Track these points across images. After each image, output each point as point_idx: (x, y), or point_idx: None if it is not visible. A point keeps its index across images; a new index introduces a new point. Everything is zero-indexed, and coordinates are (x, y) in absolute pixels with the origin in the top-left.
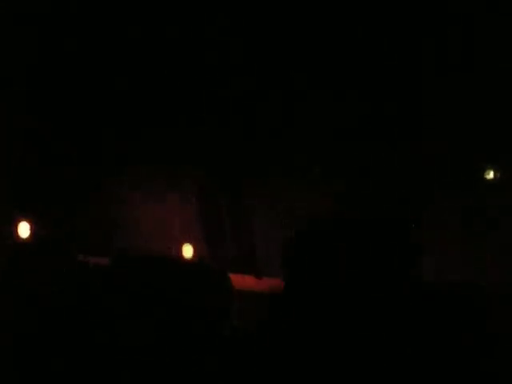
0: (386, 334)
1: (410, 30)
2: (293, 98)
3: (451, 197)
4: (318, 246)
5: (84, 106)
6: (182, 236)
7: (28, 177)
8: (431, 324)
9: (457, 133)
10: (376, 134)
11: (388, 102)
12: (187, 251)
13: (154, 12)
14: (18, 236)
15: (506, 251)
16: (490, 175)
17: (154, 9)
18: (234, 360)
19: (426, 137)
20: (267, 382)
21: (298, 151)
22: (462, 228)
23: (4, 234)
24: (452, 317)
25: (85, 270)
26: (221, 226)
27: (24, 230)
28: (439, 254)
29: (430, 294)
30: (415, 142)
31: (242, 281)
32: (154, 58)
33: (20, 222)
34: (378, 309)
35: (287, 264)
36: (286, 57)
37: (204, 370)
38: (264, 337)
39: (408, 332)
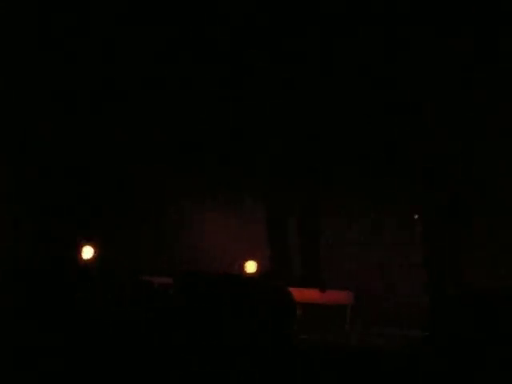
0: None
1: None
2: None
3: None
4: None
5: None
6: (246, 253)
7: (92, 200)
8: None
9: None
10: None
11: None
12: (250, 267)
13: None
14: (82, 259)
15: None
16: None
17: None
18: (299, 370)
19: None
20: None
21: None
22: None
23: (68, 258)
24: None
25: (150, 290)
26: (286, 241)
27: (88, 252)
28: None
29: None
30: None
31: (306, 294)
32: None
33: (84, 245)
34: None
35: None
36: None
37: (271, 381)
38: None
39: None
